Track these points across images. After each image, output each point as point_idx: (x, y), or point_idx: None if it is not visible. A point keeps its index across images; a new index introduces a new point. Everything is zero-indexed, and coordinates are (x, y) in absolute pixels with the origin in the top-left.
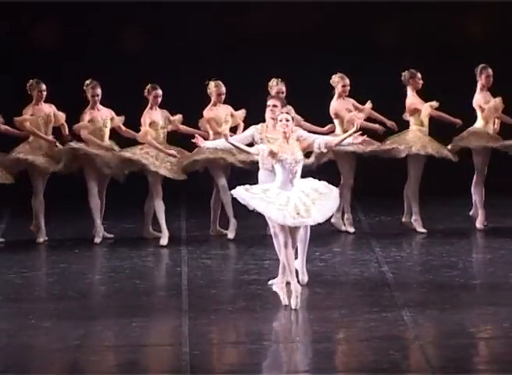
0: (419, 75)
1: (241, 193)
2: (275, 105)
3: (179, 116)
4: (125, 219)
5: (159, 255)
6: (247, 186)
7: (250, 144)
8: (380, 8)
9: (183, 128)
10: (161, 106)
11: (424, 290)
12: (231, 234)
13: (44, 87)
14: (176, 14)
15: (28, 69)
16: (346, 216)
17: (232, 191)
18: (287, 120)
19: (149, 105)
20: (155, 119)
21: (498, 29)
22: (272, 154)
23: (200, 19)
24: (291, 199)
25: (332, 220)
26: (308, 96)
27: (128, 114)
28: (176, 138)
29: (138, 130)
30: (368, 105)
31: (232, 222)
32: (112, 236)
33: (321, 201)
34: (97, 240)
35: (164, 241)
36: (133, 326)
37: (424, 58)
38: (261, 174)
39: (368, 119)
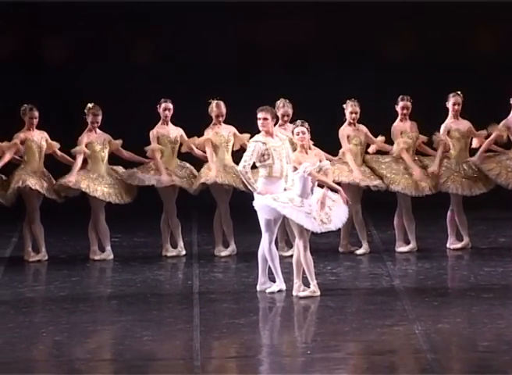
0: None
1: (271, 203)
2: (265, 119)
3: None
4: (136, 233)
5: (171, 269)
6: (274, 195)
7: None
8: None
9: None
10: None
11: (436, 303)
12: (224, 253)
13: (36, 114)
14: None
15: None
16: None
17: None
18: (303, 133)
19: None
20: (165, 133)
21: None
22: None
23: (210, 36)
24: (313, 207)
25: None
26: (318, 116)
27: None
28: (186, 156)
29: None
30: (380, 138)
31: (232, 248)
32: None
33: (336, 207)
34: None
35: (172, 253)
36: (145, 339)
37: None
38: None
39: (378, 151)
